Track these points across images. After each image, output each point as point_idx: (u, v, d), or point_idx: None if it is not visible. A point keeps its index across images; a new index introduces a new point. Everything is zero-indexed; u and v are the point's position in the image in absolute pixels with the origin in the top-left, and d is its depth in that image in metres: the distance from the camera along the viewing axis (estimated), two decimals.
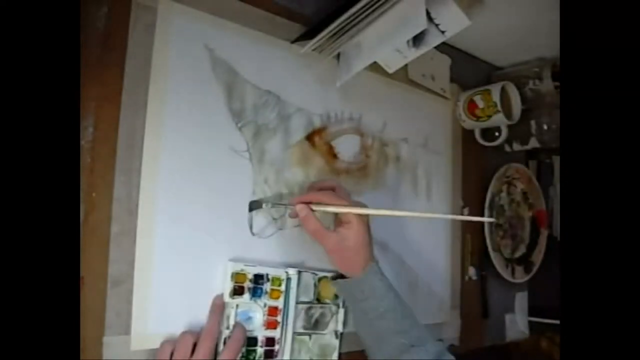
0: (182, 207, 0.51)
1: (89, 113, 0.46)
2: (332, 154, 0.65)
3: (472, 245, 0.84)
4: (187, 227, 0.51)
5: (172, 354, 0.47)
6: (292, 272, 0.57)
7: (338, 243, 0.53)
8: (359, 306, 0.55)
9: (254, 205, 0.56)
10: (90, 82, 0.45)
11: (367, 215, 0.55)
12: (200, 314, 0.51)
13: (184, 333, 0.48)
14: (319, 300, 0.60)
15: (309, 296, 0.59)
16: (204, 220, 0.53)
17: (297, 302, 0.57)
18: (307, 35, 0.59)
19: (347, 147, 0.66)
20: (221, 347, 0.51)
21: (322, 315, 0.60)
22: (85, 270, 0.44)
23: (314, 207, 0.53)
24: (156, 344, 0.48)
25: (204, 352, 0.47)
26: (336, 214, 0.56)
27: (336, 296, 0.61)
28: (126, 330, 0.47)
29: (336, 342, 0.61)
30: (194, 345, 0.48)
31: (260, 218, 0.57)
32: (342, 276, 0.57)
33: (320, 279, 0.60)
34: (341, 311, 0.61)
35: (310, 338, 0.59)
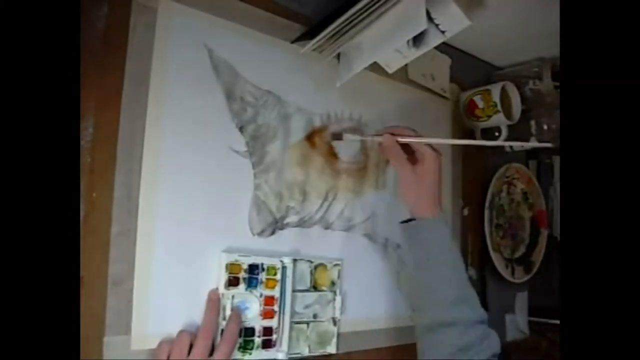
0: (182, 207, 0.51)
1: (89, 113, 0.46)
2: (332, 154, 0.65)
3: (472, 245, 0.84)
4: (187, 227, 0.51)
5: (169, 354, 0.47)
6: (287, 260, 0.57)
7: (414, 177, 0.57)
8: (421, 252, 0.57)
9: (335, 136, 0.62)
10: (90, 82, 0.45)
11: (440, 160, 0.58)
12: (200, 314, 0.51)
13: (181, 332, 0.49)
14: (315, 287, 0.60)
15: (305, 284, 0.59)
16: (204, 221, 0.53)
17: (294, 291, 0.57)
18: (307, 35, 0.59)
19: (347, 147, 0.66)
20: (218, 338, 0.50)
21: (319, 302, 0.60)
22: (85, 270, 0.44)
23: (398, 139, 0.58)
24: (156, 344, 0.48)
25: (201, 350, 0.47)
26: (411, 154, 0.59)
27: (333, 283, 0.62)
28: (126, 330, 0.47)
29: (334, 329, 0.61)
30: (192, 344, 0.48)
31: (261, 218, 0.57)
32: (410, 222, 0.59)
33: (316, 267, 0.60)
34: (338, 298, 0.62)
35: (308, 326, 0.59)
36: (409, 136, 0.60)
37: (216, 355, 0.49)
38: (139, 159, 0.49)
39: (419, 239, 0.58)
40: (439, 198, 0.58)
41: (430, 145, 0.58)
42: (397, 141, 0.59)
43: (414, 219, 0.59)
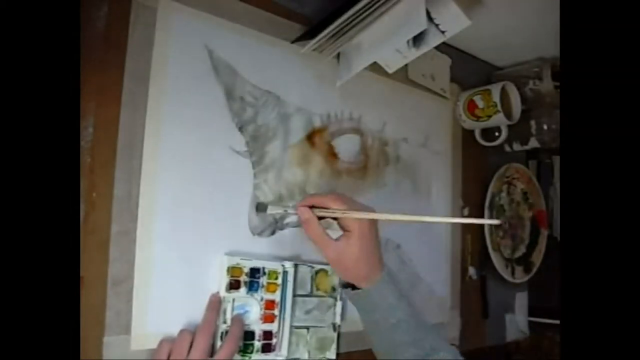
0: (182, 207, 0.51)
1: (88, 113, 0.46)
2: (332, 154, 0.65)
3: (472, 245, 0.84)
4: (187, 227, 0.51)
5: (170, 353, 0.47)
6: (288, 265, 0.57)
7: (338, 253, 0.50)
8: (370, 317, 0.53)
9: (260, 208, 0.57)
10: (90, 82, 0.45)
11: (373, 223, 0.51)
12: (200, 314, 0.51)
13: (182, 331, 0.49)
14: (316, 293, 0.60)
15: (305, 289, 0.59)
16: (204, 221, 0.53)
17: (294, 295, 0.57)
18: (307, 35, 0.59)
19: (347, 147, 0.66)
20: (218, 342, 0.50)
21: (320, 308, 0.60)
22: (85, 270, 0.44)
23: (317, 213, 0.51)
24: (156, 344, 0.48)
25: (200, 349, 0.47)
26: (339, 223, 0.52)
27: (333, 289, 0.61)
28: (126, 330, 0.47)
29: (334, 335, 0.61)
30: (192, 344, 0.48)
31: (261, 218, 0.57)
32: (353, 285, 0.53)
33: (317, 272, 0.60)
34: (339, 304, 0.62)
35: (308, 331, 0.59)
36: (332, 202, 0.51)
37: (217, 356, 0.49)
38: (139, 159, 0.49)
39: (363, 306, 0.53)
40: (376, 260, 0.51)
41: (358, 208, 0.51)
42: (317, 215, 0.51)
43: (353, 285, 0.53)
